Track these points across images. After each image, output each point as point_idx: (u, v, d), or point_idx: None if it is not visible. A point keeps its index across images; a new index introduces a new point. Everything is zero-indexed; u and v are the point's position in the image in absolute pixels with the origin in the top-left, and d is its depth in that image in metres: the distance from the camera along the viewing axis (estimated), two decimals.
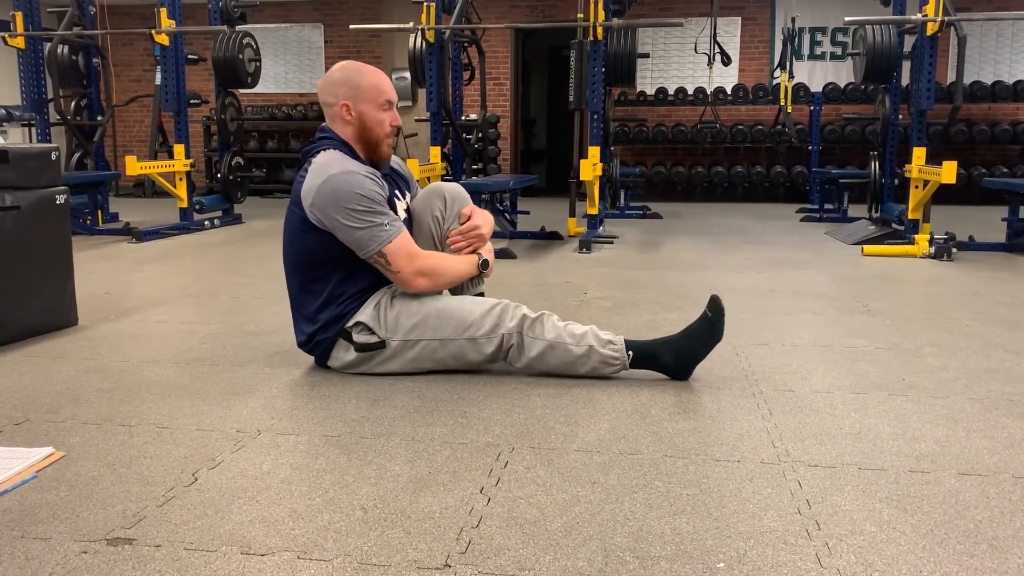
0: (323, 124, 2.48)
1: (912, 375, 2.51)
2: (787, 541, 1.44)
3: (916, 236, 5.31)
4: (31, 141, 8.92)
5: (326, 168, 2.32)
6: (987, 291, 3.97)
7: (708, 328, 2.38)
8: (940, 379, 2.46)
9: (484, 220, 2.57)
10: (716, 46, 7.51)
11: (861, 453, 1.86)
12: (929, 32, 5.35)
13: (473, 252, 2.54)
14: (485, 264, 2.55)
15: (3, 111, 8.99)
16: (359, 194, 2.29)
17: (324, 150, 2.40)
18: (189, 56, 6.80)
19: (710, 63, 7.66)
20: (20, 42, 6.53)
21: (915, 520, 1.52)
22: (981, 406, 2.20)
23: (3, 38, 6.51)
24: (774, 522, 1.51)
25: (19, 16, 6.50)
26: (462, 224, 2.54)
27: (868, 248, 5.35)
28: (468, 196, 2.62)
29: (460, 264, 2.50)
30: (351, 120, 2.42)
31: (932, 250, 5.08)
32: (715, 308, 2.37)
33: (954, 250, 5.10)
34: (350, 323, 2.40)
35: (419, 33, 6.14)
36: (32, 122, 7.80)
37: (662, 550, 1.41)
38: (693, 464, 1.79)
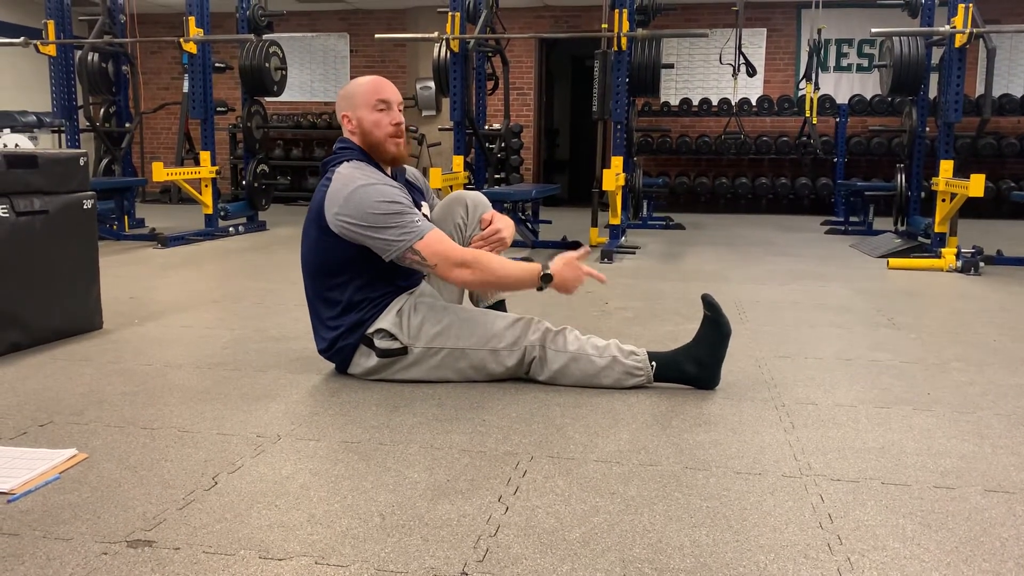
0: (340, 136, 2.52)
1: (937, 390, 2.47)
2: (808, 555, 1.42)
3: (943, 250, 5.24)
4: (60, 147, 9.05)
5: (352, 179, 2.33)
6: (1015, 306, 3.91)
7: (713, 326, 2.37)
8: (966, 394, 2.43)
9: (505, 224, 2.57)
10: (741, 57, 7.48)
11: (885, 468, 1.83)
12: (957, 44, 5.30)
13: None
14: (548, 278, 2.33)
15: (34, 117, 9.16)
16: (385, 200, 2.30)
17: (346, 160, 2.42)
18: (216, 64, 6.88)
19: (735, 74, 7.63)
20: (52, 50, 6.64)
21: (939, 537, 1.50)
22: (1008, 422, 2.17)
23: (35, 46, 6.62)
24: (795, 536, 1.49)
25: (51, 24, 6.61)
26: (483, 229, 2.55)
27: (894, 261, 5.29)
28: (489, 203, 2.63)
29: (511, 265, 2.38)
30: (354, 129, 2.46)
31: (959, 264, 5.02)
32: (710, 306, 2.37)
33: (981, 264, 5.03)
34: (371, 329, 2.41)
35: (444, 43, 6.17)
36: (62, 128, 7.93)
37: (681, 563, 1.40)
38: (713, 476, 1.78)
